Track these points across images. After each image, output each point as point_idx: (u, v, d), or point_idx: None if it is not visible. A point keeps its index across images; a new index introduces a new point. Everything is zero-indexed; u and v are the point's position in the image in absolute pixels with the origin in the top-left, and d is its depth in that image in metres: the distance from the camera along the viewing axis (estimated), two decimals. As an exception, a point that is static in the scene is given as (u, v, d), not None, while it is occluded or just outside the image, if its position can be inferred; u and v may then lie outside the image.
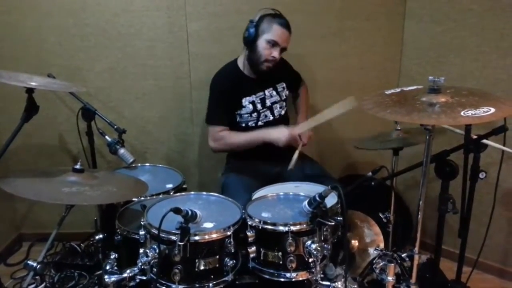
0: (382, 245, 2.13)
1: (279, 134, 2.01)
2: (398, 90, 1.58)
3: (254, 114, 2.17)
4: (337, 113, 1.87)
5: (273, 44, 2.04)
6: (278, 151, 2.05)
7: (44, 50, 2.46)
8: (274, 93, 2.22)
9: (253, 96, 2.16)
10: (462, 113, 1.27)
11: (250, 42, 2.06)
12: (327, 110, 1.90)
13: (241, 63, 2.17)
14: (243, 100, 2.14)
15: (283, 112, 2.28)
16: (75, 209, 1.63)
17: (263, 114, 2.19)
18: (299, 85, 2.43)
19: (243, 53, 2.15)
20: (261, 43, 2.04)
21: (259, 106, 2.17)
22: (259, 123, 2.19)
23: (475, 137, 1.68)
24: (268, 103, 2.20)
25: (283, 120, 2.27)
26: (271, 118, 2.22)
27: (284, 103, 2.28)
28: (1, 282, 2.17)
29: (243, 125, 2.18)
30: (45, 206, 2.52)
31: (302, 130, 2.04)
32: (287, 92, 2.29)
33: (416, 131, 2.01)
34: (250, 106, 2.15)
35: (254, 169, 2.15)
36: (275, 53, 2.04)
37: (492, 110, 1.27)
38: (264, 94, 2.19)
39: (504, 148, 1.88)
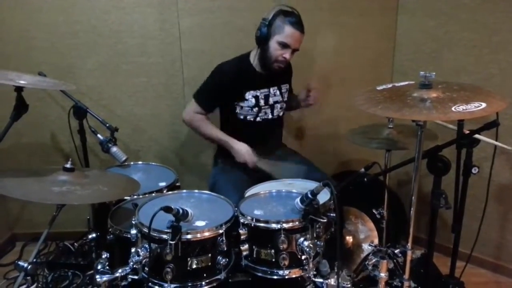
0: (376, 241, 2.13)
1: (241, 153, 2.06)
2: (389, 85, 1.57)
3: (255, 109, 2.16)
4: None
5: (284, 45, 2.01)
6: (267, 149, 2.03)
7: (34, 48, 2.43)
8: (278, 92, 2.21)
9: (258, 91, 2.14)
10: (453, 109, 1.26)
11: (261, 41, 2.03)
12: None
13: (252, 57, 2.15)
14: (247, 94, 2.12)
15: (281, 114, 2.28)
16: (68, 208, 1.62)
17: (263, 111, 2.18)
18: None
19: (255, 49, 2.12)
20: (273, 44, 2.02)
21: (262, 102, 2.16)
22: (258, 119, 2.18)
23: (467, 132, 1.68)
24: (271, 101, 2.19)
25: (279, 121, 2.28)
26: (270, 116, 2.21)
27: (284, 105, 2.28)
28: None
29: (241, 117, 2.16)
30: (38, 205, 2.49)
31: (260, 166, 2.05)
32: (287, 95, 2.29)
33: (408, 130, 2.00)
34: (253, 100, 2.13)
35: (242, 167, 2.14)
36: (287, 55, 2.02)
37: (483, 105, 1.27)
38: (269, 91, 2.18)
39: (497, 143, 1.88)
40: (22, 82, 1.67)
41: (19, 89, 1.69)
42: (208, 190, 1.87)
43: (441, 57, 2.38)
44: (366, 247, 2.15)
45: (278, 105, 2.23)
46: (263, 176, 2.04)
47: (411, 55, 2.51)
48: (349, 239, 2.23)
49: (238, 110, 2.15)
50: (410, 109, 1.30)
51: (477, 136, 1.68)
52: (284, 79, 2.25)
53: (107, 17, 2.40)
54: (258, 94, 2.14)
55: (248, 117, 2.17)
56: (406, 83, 1.56)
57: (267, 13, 2.03)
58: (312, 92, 2.20)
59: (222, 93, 2.11)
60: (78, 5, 2.38)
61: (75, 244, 2.47)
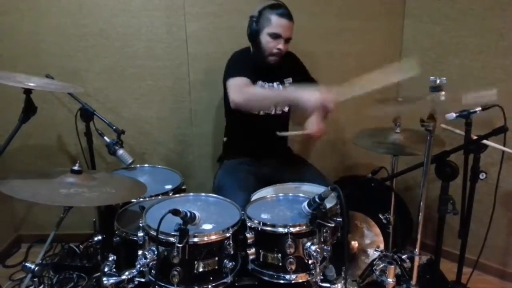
0: (382, 246, 2.12)
1: (310, 96, 1.68)
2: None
3: None
4: (390, 81, 1.55)
5: (275, 36, 2.00)
6: (272, 152, 2.00)
7: (42, 51, 2.45)
8: (281, 87, 2.17)
9: (266, 83, 2.12)
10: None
11: (253, 38, 2.04)
12: (375, 75, 1.58)
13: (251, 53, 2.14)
14: (258, 82, 2.08)
15: (286, 109, 2.22)
16: (74, 210, 1.61)
17: None
18: None
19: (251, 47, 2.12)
20: (264, 38, 2.01)
21: None
22: (261, 112, 2.14)
23: (475, 137, 1.68)
24: None
25: (283, 117, 2.24)
26: (273, 112, 2.17)
27: None
28: (-1, 284, 2.17)
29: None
30: (43, 207, 2.51)
31: (339, 98, 1.69)
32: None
33: (415, 135, 1.99)
34: None
35: (247, 169, 2.13)
36: (280, 46, 2.01)
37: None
38: (273, 85, 2.15)
39: (504, 149, 1.87)
40: (31, 84, 1.68)
41: (28, 92, 1.70)
42: (213, 192, 1.87)
43: (447, 62, 2.38)
44: (372, 252, 2.14)
45: None
46: (268, 176, 2.03)
47: (418, 59, 2.50)
48: (355, 244, 2.22)
49: None
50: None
51: (485, 141, 1.68)
52: (286, 73, 2.20)
53: (115, 21, 2.42)
54: (265, 86, 2.11)
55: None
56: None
57: (252, 11, 2.03)
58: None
59: (249, 64, 2.03)
60: (86, 9, 2.39)
61: (80, 246, 2.47)
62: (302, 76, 2.27)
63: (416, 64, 1.46)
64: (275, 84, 2.15)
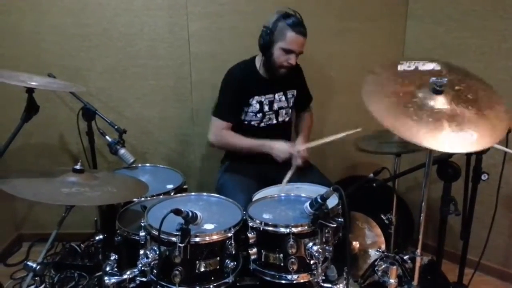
0: (383, 247, 2.12)
1: (280, 151, 2.02)
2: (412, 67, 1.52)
3: (259, 115, 2.16)
4: (340, 137, 1.90)
5: (288, 51, 2.01)
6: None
7: (44, 50, 2.45)
8: (283, 98, 2.20)
9: (263, 96, 2.14)
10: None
11: (265, 49, 2.04)
12: (331, 136, 1.94)
13: (258, 62, 2.15)
14: (251, 99, 2.12)
15: (287, 119, 2.27)
16: (76, 209, 1.62)
17: (268, 116, 2.18)
18: (306, 107, 2.38)
19: (261, 54, 2.12)
20: (276, 51, 2.01)
21: (266, 108, 2.16)
22: (262, 124, 2.18)
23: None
24: (275, 106, 2.18)
25: (285, 126, 2.27)
26: (274, 122, 2.21)
27: (290, 110, 2.27)
28: (0, 283, 2.16)
29: (246, 122, 2.17)
30: (45, 206, 2.50)
31: (302, 149, 2.03)
32: (294, 100, 2.27)
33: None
34: (257, 106, 2.13)
35: (249, 170, 2.14)
36: (292, 60, 2.02)
37: (474, 136, 1.25)
38: (274, 97, 2.17)
39: (507, 150, 1.86)
40: (33, 83, 1.68)
41: (30, 91, 1.70)
42: (215, 192, 1.87)
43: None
44: (373, 253, 2.14)
45: (284, 111, 2.22)
46: (271, 177, 2.04)
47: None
48: (356, 244, 2.22)
49: (242, 116, 2.15)
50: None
51: (487, 142, 1.67)
52: (291, 84, 2.23)
53: (117, 20, 2.42)
54: (262, 99, 2.14)
55: (252, 122, 2.17)
56: (431, 67, 1.51)
57: (268, 20, 2.03)
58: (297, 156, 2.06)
59: (237, 97, 2.11)
60: (88, 8, 2.40)
61: (81, 245, 2.48)
62: (302, 91, 2.31)
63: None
64: (276, 95, 2.17)
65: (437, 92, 1.36)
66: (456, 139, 1.25)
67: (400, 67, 1.50)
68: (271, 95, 2.16)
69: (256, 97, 2.13)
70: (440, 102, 1.35)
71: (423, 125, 1.28)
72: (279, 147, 2.03)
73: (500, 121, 1.33)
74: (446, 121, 1.28)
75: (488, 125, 1.31)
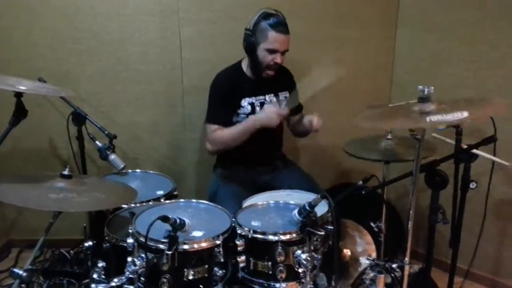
0: (374, 255, 2.11)
1: (268, 118, 1.96)
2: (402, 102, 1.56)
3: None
4: (326, 83, 1.86)
5: (272, 51, 2.01)
6: (266, 159, 2.01)
7: (35, 54, 2.43)
8: (275, 100, 2.19)
9: (253, 98, 2.14)
10: (427, 118, 1.27)
11: (250, 51, 2.05)
12: (313, 81, 1.90)
13: (245, 65, 2.16)
14: (243, 101, 2.12)
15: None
16: (65, 215, 1.60)
17: None
18: (296, 113, 2.32)
19: (246, 57, 2.13)
20: (261, 52, 2.02)
21: (257, 110, 2.15)
22: None
23: (465, 147, 1.69)
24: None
25: (276, 127, 2.25)
26: None
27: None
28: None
29: (237, 124, 2.15)
30: (34, 212, 2.48)
31: (289, 108, 1.99)
32: (287, 102, 2.26)
33: (406, 143, 2.00)
34: (249, 107, 2.13)
35: (242, 177, 2.14)
36: (277, 59, 2.02)
37: (465, 114, 1.26)
38: (265, 98, 2.17)
39: (494, 159, 1.88)
40: (22, 87, 1.67)
41: (18, 95, 1.69)
42: (208, 200, 1.86)
43: (439, 72, 2.39)
44: (364, 261, 2.13)
45: None
46: (262, 184, 2.04)
47: (410, 68, 2.53)
48: (346, 252, 2.21)
49: (235, 118, 2.15)
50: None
51: (475, 151, 1.68)
52: (282, 86, 2.22)
53: (109, 24, 2.41)
54: (253, 101, 2.14)
55: None
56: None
57: (249, 22, 2.03)
58: (314, 120, 2.10)
59: (225, 101, 2.10)
60: (80, 12, 2.39)
61: (71, 251, 2.46)
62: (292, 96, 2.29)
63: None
64: (267, 96, 2.17)
65: (424, 99, 1.38)
66: (446, 118, 1.27)
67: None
68: (261, 97, 2.16)
69: (247, 99, 2.13)
70: (427, 106, 1.38)
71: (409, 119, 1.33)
72: (267, 117, 1.96)
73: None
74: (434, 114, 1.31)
75: (479, 106, 1.34)
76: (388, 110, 1.49)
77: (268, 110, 1.98)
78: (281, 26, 2.00)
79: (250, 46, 2.02)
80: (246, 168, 2.17)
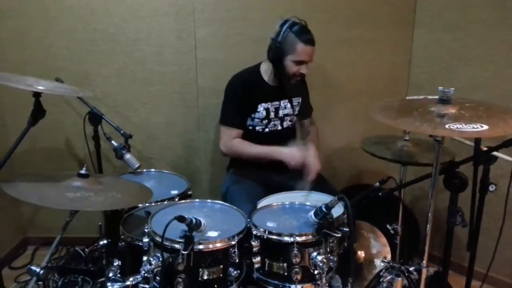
0: (389, 257, 2.09)
1: (290, 157, 1.97)
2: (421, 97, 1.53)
3: (265, 121, 2.16)
4: None
5: (299, 63, 2.01)
6: (280, 163, 2.01)
7: (52, 55, 2.47)
8: (289, 105, 2.20)
9: (269, 103, 2.14)
10: (446, 126, 1.24)
11: (276, 61, 2.04)
12: None
13: (263, 70, 2.15)
14: (259, 106, 2.13)
15: (291, 126, 2.28)
16: (80, 214, 1.62)
17: (273, 122, 2.18)
18: (306, 116, 2.37)
19: (267, 61, 2.11)
20: (288, 63, 2.01)
21: (272, 115, 2.16)
22: (266, 130, 2.18)
23: (485, 149, 1.66)
24: (280, 113, 2.19)
25: (288, 133, 2.27)
26: (279, 128, 2.21)
27: (295, 118, 2.27)
28: (4, 286, 2.16)
29: (250, 128, 2.17)
30: (50, 210, 2.45)
31: (314, 157, 1.99)
32: (299, 108, 2.27)
33: (424, 144, 1.97)
34: (264, 112, 2.14)
35: (256, 178, 2.13)
36: (303, 70, 2.03)
37: (485, 127, 1.23)
38: (279, 104, 2.17)
39: (515, 161, 1.84)
40: (40, 88, 1.69)
41: (37, 95, 1.71)
42: (220, 199, 1.86)
43: (457, 72, 2.36)
44: (378, 263, 2.11)
45: (288, 118, 2.23)
46: (277, 185, 2.03)
47: (427, 68, 2.49)
48: (361, 254, 2.20)
49: (248, 122, 2.15)
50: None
51: (495, 153, 1.65)
52: (296, 92, 2.23)
53: (125, 26, 2.44)
54: (269, 106, 2.15)
55: (257, 128, 2.17)
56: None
57: (274, 30, 2.02)
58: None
59: (241, 104, 2.11)
60: (96, 14, 2.41)
61: (86, 250, 2.47)
62: (304, 99, 2.30)
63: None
64: (282, 102, 2.17)
65: (444, 101, 1.36)
66: (465, 129, 1.24)
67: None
68: (277, 102, 2.16)
69: (264, 104, 2.13)
70: (447, 108, 1.36)
71: (427, 122, 1.30)
72: (289, 153, 1.99)
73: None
74: (452, 120, 1.29)
75: (499, 119, 1.30)
76: (405, 104, 1.46)
77: (297, 153, 1.98)
78: (309, 38, 1.99)
79: (277, 57, 2.02)
80: (259, 169, 2.16)
